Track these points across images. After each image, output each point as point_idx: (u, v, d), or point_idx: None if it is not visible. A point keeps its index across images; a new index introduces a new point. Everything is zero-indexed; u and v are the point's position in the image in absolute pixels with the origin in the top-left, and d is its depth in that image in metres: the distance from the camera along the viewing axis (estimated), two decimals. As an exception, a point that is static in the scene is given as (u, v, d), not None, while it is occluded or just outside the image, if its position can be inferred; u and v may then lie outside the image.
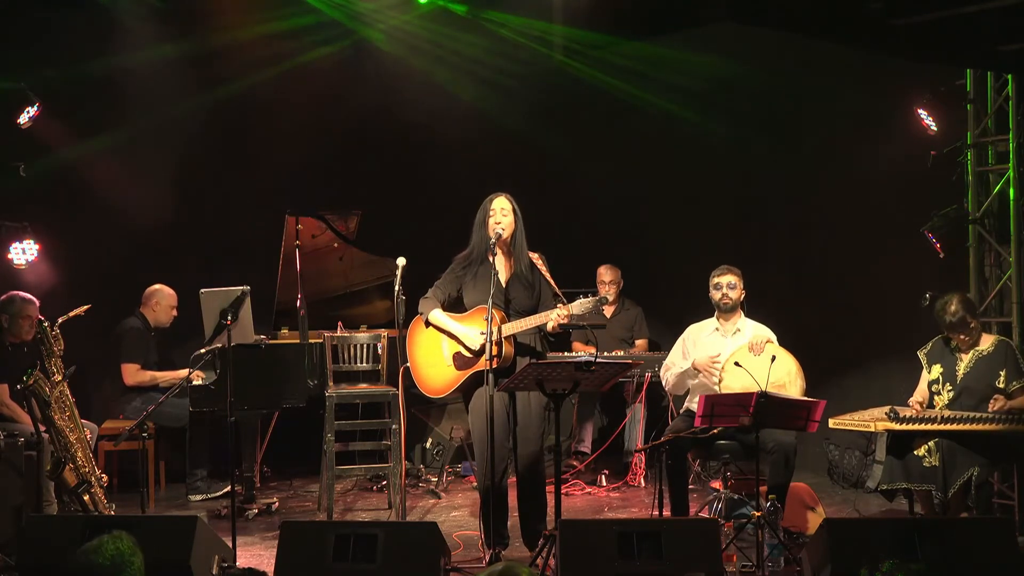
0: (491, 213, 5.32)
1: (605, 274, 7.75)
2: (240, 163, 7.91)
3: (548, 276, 5.42)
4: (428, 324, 5.44)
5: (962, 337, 5.64)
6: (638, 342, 7.84)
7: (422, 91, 8.15)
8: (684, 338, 6.08)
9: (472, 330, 5.28)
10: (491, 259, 5.22)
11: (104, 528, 3.80)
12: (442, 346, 5.42)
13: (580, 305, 5.14)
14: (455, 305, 5.46)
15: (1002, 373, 5.57)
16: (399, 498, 6.04)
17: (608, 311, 7.86)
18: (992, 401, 5.47)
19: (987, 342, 5.68)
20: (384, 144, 8.33)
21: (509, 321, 5.27)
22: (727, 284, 5.91)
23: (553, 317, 5.17)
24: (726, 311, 5.94)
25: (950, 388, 5.65)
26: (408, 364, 5.52)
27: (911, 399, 5.71)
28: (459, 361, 5.36)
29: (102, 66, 7.25)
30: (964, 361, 5.66)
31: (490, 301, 5.01)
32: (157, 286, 7.20)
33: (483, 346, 5.10)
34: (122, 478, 6.70)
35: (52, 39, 7.14)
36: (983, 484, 5.46)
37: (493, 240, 5.23)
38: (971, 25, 5.31)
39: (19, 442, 5.63)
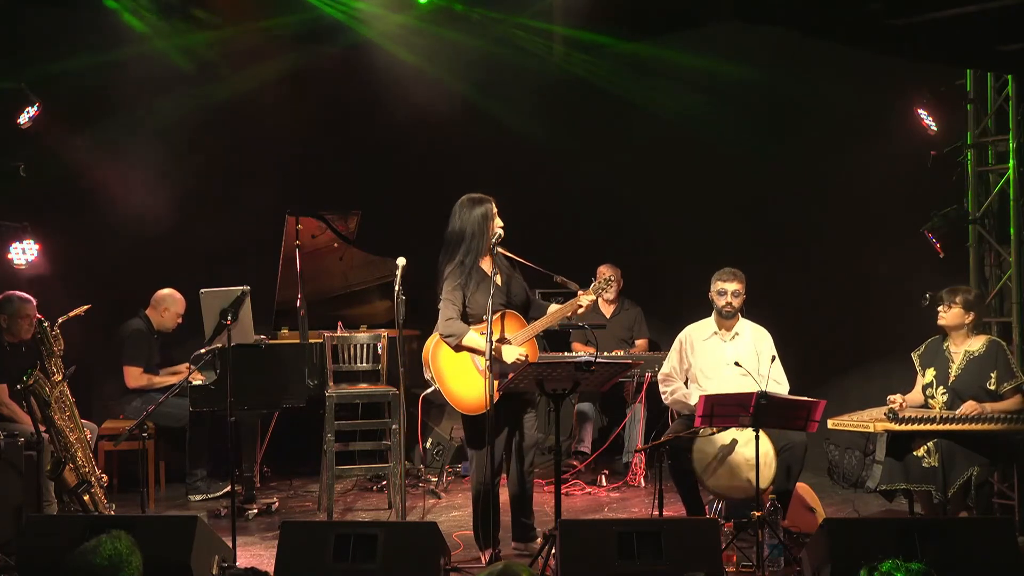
0: (494, 216, 5.29)
1: (606, 272, 7.73)
2: (240, 163, 7.91)
3: (522, 260, 5.38)
4: (459, 348, 5.24)
5: (939, 309, 5.65)
6: (638, 342, 7.84)
7: (422, 91, 8.14)
8: (681, 340, 6.03)
9: (510, 347, 5.19)
10: (488, 262, 5.23)
11: (104, 528, 3.80)
12: (474, 360, 5.26)
13: (596, 288, 5.27)
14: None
15: (993, 375, 5.56)
16: (399, 498, 6.04)
17: (608, 311, 7.86)
18: (968, 405, 5.46)
19: (978, 343, 5.67)
20: (384, 144, 8.33)
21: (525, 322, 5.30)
22: (732, 292, 5.82)
23: (584, 303, 5.21)
24: (727, 318, 5.91)
25: (943, 391, 5.64)
26: (434, 388, 5.31)
27: (892, 396, 5.65)
28: (495, 369, 5.21)
29: (102, 65, 7.26)
30: (956, 363, 5.65)
31: (490, 302, 5.02)
32: (168, 291, 7.18)
33: (523, 356, 5.13)
34: (122, 478, 6.71)
35: (52, 39, 7.14)
36: (983, 484, 5.46)
37: (497, 242, 5.23)
38: (971, 25, 5.31)
39: (19, 442, 5.63)
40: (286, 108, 7.95)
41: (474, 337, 5.21)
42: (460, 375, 5.26)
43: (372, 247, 7.34)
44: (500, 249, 5.34)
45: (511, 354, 5.17)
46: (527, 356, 5.19)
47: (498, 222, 5.30)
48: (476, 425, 5.28)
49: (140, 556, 3.47)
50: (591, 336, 7.46)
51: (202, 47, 7.64)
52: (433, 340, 5.32)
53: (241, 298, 5.94)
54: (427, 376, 5.33)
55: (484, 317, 5.11)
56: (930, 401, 5.70)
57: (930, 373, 5.72)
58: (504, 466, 5.46)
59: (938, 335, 5.78)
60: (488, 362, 4.99)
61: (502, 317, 5.25)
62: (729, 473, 5.52)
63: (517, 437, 5.39)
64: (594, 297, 5.27)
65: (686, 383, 5.98)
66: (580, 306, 5.22)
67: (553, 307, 5.39)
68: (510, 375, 4.98)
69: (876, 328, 7.01)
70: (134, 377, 7.00)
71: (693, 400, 5.78)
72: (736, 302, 5.86)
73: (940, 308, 5.67)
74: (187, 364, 6.50)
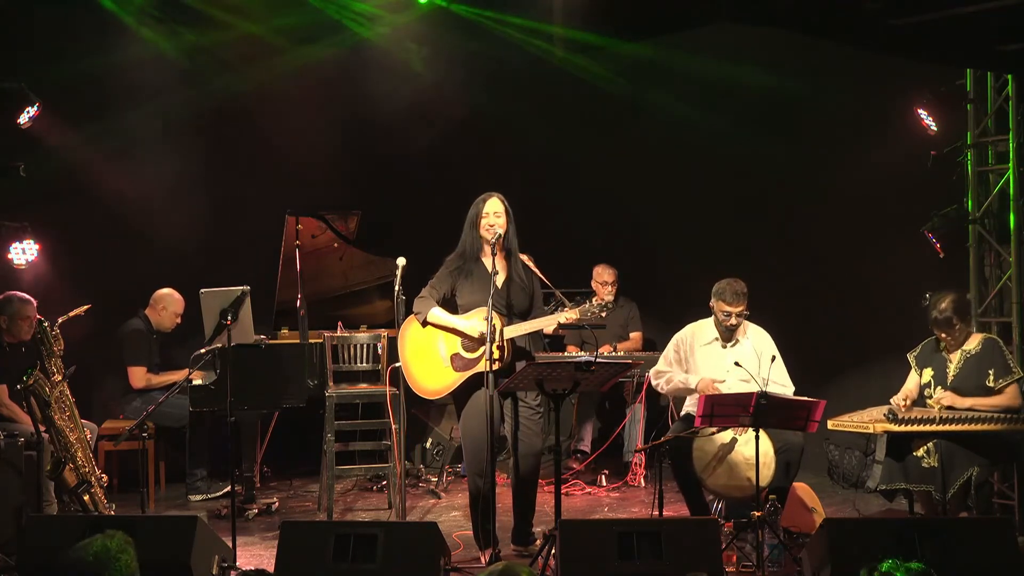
0: (484, 215, 5.31)
1: (604, 274, 7.71)
2: (240, 163, 7.91)
3: (542, 277, 5.45)
4: (426, 323, 5.37)
5: (944, 336, 5.64)
6: (633, 335, 7.84)
7: (422, 91, 8.15)
8: (679, 341, 6.00)
9: (475, 325, 5.22)
10: (489, 260, 5.22)
11: (103, 528, 3.80)
12: (439, 347, 5.38)
13: (586, 309, 5.20)
14: (447, 306, 5.43)
15: (991, 372, 5.57)
16: (399, 498, 6.04)
17: (604, 314, 7.85)
18: (934, 401, 5.49)
19: (974, 341, 5.67)
20: (384, 144, 8.32)
21: (510, 323, 5.28)
22: (736, 315, 5.78)
23: (562, 319, 5.24)
24: (728, 331, 5.89)
25: (942, 391, 5.64)
26: (399, 364, 5.48)
27: (894, 398, 5.64)
28: (458, 362, 5.33)
29: (102, 65, 7.26)
30: (953, 363, 5.66)
31: (490, 301, 5.02)
32: (167, 291, 7.19)
33: (483, 336, 5.06)
34: (122, 478, 6.71)
35: (52, 38, 7.14)
36: (983, 484, 5.46)
37: (493, 241, 5.23)
38: (971, 25, 5.30)
39: (19, 442, 5.63)
40: (286, 108, 7.95)
41: (439, 314, 5.32)
42: (422, 358, 5.40)
43: (372, 247, 7.35)
44: (525, 258, 5.45)
45: (476, 333, 5.20)
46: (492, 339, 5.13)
47: (492, 220, 5.30)
48: (459, 401, 5.39)
49: (133, 555, 3.41)
50: (592, 337, 7.45)
51: (202, 48, 7.64)
52: (408, 319, 5.45)
53: (241, 298, 5.95)
54: (399, 352, 5.48)
55: (479, 312, 5.18)
56: (928, 401, 5.69)
57: (927, 373, 5.72)
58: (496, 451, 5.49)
59: (933, 336, 5.78)
60: (489, 358, 4.99)
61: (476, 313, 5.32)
62: (728, 472, 5.52)
63: (514, 425, 5.40)
64: (575, 317, 5.22)
65: None
66: (559, 323, 5.30)
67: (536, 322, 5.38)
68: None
69: (876, 328, 7.00)
70: (138, 377, 7.00)
71: (693, 383, 5.78)
72: (741, 320, 5.84)
73: (945, 335, 5.61)
74: (188, 370, 6.50)
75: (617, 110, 8.41)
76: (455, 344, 5.34)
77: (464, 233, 5.39)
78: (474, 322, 5.24)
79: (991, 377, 5.56)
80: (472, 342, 5.27)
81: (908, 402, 5.63)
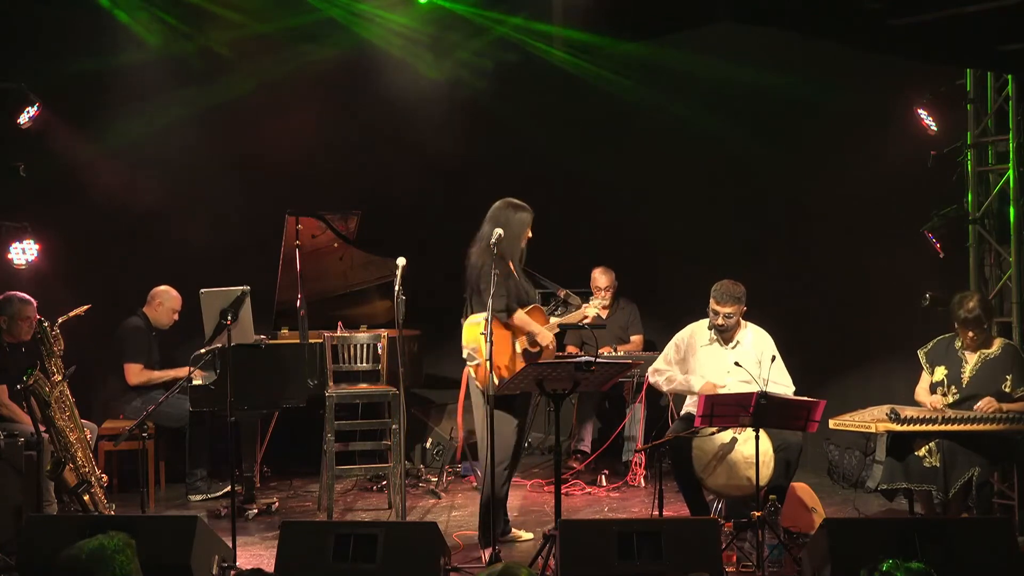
0: (528, 232, 5.58)
1: (601, 279, 7.71)
2: (240, 163, 7.91)
3: (532, 271, 5.73)
4: (508, 325, 5.51)
5: (971, 335, 5.62)
6: (633, 338, 7.84)
7: (421, 91, 8.15)
8: (679, 341, 5.99)
9: (546, 332, 5.55)
10: (510, 266, 5.45)
11: (103, 528, 3.79)
12: (513, 344, 5.52)
13: (596, 303, 5.80)
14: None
15: (1008, 378, 5.56)
16: (399, 498, 6.05)
17: (604, 313, 7.86)
18: (985, 401, 5.48)
19: (994, 345, 5.67)
20: (384, 144, 8.33)
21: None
22: (724, 315, 5.76)
23: (591, 315, 5.67)
24: (723, 332, 5.88)
25: (955, 391, 5.63)
26: (481, 361, 5.36)
27: (931, 399, 5.65)
28: (528, 357, 5.48)
29: (102, 66, 7.26)
30: (970, 364, 5.65)
31: (489, 302, 5.10)
32: (164, 288, 7.19)
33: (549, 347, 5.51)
34: (122, 478, 6.71)
35: (52, 38, 7.14)
36: (983, 484, 5.46)
37: (522, 253, 5.57)
38: (971, 25, 5.30)
39: (19, 442, 5.63)
40: (286, 108, 7.95)
41: (524, 315, 5.54)
42: (503, 354, 5.50)
43: (372, 247, 7.35)
44: None
45: (546, 337, 5.53)
46: (553, 344, 5.59)
47: (529, 233, 5.58)
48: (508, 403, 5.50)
49: (132, 557, 3.38)
50: (592, 337, 7.45)
51: (202, 48, 7.64)
52: (485, 318, 5.23)
53: (241, 298, 5.94)
54: (470, 350, 5.44)
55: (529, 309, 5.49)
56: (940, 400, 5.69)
57: (940, 372, 5.72)
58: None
59: (946, 334, 5.78)
60: (488, 360, 5.05)
61: (531, 310, 5.56)
62: (728, 471, 5.52)
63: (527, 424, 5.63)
64: (597, 311, 5.74)
65: None
66: (586, 317, 5.66)
67: (553, 320, 5.75)
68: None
69: (876, 328, 7.01)
70: (135, 373, 7.00)
71: (695, 386, 5.78)
72: (730, 322, 5.81)
73: (974, 334, 5.61)
74: (188, 367, 6.50)
75: (617, 110, 8.41)
76: (523, 340, 5.54)
77: (505, 239, 5.37)
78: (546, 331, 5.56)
79: (1008, 383, 5.55)
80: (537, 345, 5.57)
81: (940, 403, 5.62)
